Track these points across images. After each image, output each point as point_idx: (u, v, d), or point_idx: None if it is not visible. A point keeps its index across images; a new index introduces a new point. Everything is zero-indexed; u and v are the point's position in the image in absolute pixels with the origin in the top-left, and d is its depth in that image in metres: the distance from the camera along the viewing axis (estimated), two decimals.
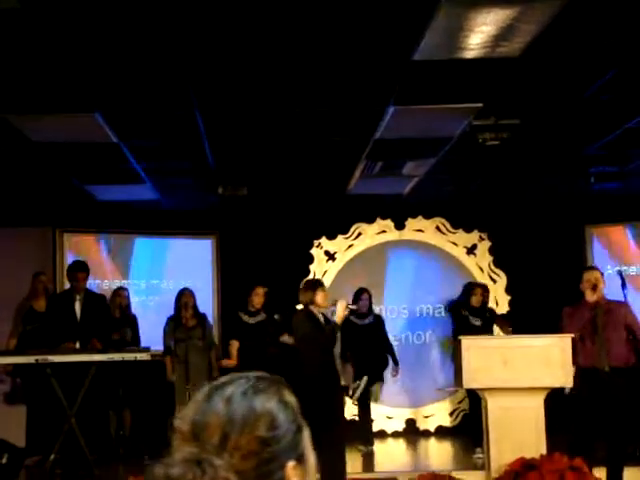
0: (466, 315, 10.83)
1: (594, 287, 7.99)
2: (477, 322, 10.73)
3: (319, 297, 8.20)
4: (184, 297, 10.56)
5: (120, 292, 11.06)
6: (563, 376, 7.36)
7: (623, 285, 8.51)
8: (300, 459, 1.53)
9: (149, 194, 11.28)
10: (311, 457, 1.56)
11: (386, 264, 12.59)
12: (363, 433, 10.79)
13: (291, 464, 1.50)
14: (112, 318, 10.51)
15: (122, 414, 10.56)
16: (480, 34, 6.14)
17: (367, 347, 10.91)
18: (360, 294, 11.08)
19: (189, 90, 7.21)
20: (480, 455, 9.17)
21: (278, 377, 1.61)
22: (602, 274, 8.28)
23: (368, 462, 9.97)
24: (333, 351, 8.22)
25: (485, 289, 11.43)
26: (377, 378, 11.04)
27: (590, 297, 8.01)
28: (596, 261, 12.50)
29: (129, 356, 9.42)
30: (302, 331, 8.18)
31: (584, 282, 8.08)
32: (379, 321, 11.32)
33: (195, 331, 10.50)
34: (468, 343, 7.61)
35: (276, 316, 10.97)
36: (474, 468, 8.74)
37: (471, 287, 11.28)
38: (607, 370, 7.82)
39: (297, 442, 1.53)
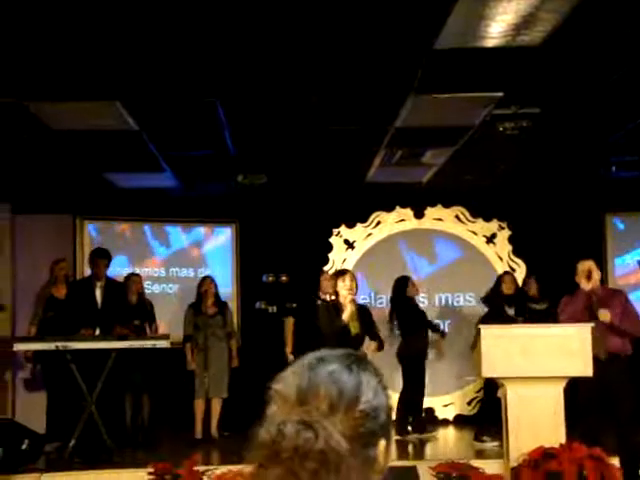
0: (501, 305, 10.83)
1: (588, 276, 8.05)
2: (511, 311, 10.67)
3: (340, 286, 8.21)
4: (205, 285, 10.62)
5: (135, 278, 11.07)
6: (582, 365, 7.35)
7: None
8: (388, 440, 1.60)
9: (169, 182, 11.31)
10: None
11: (404, 253, 12.57)
12: None
13: (383, 442, 1.57)
14: (128, 305, 10.54)
15: (140, 401, 10.61)
16: (501, 23, 6.13)
17: None
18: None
19: (210, 78, 7.22)
20: (488, 443, 9.17)
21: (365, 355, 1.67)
22: (596, 263, 8.37)
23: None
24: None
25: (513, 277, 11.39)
26: None
27: (585, 286, 8.08)
28: (616, 250, 12.49)
29: (148, 343, 9.47)
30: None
31: (578, 272, 8.15)
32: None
33: (215, 319, 10.54)
34: (487, 332, 7.61)
35: (283, 278, 11.10)
36: (492, 457, 8.74)
37: (500, 276, 11.28)
38: (604, 358, 7.83)
39: (389, 423, 1.60)
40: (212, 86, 7.40)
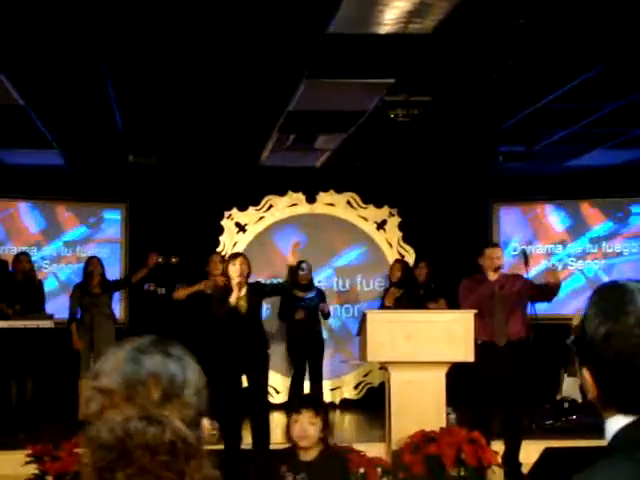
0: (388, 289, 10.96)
1: (496, 268, 8.17)
2: (398, 293, 10.77)
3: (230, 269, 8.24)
4: (91, 265, 10.49)
5: (22, 257, 10.82)
6: (465, 351, 7.49)
7: (526, 264, 8.71)
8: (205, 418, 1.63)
9: (57, 160, 11.08)
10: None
11: (296, 237, 12.56)
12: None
13: (205, 420, 1.62)
14: (15, 284, 10.32)
15: (24, 382, 10.38)
16: (394, 9, 6.16)
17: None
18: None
19: (99, 54, 7.08)
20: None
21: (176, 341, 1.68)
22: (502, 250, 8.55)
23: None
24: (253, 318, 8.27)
25: (404, 263, 11.53)
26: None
27: (492, 276, 8.19)
28: (501, 238, 12.76)
29: (31, 324, 9.28)
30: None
31: (486, 258, 8.23)
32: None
33: (101, 299, 10.41)
34: (372, 317, 7.69)
35: (173, 259, 11.07)
36: (377, 440, 8.83)
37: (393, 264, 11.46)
38: (504, 344, 7.99)
39: (206, 401, 1.63)
40: (102, 62, 7.25)
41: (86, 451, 1.54)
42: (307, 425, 4.88)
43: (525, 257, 8.81)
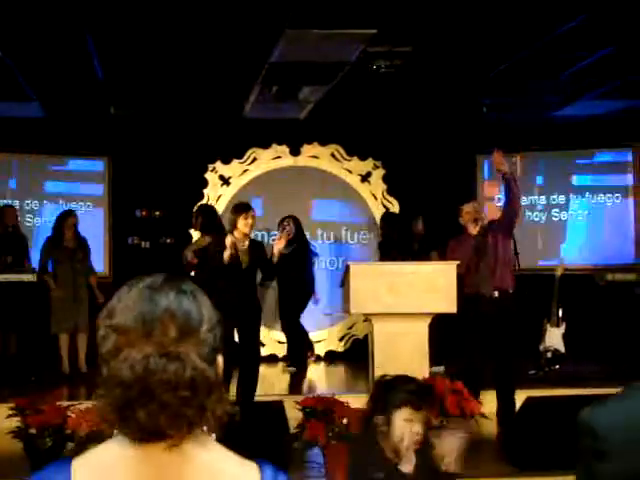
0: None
1: (475, 220, 8.17)
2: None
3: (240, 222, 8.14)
4: (71, 218, 10.40)
5: (8, 209, 10.74)
6: (447, 302, 7.51)
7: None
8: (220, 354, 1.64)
9: (36, 112, 10.98)
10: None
11: (282, 191, 12.52)
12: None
13: (219, 357, 1.63)
14: (2, 237, 10.27)
15: (7, 336, 10.37)
16: None
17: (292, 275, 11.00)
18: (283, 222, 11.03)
19: (79, 5, 6.99)
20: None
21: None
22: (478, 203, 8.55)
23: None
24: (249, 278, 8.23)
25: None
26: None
27: (473, 230, 8.20)
28: (486, 190, 12.75)
29: (14, 277, 9.24)
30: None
31: (464, 214, 8.25)
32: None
33: (76, 253, 10.37)
34: (355, 269, 7.69)
35: (157, 213, 11.08)
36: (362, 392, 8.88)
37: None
38: (491, 295, 8.03)
39: (221, 337, 1.64)
40: (80, 11, 7.16)
41: (102, 389, 1.55)
42: (422, 426, 4.05)
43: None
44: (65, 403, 7.06)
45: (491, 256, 8.09)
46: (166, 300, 1.58)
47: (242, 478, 1.62)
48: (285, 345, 11.73)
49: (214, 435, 1.60)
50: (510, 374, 8.12)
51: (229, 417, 1.59)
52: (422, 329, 7.58)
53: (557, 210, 12.79)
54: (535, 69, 9.32)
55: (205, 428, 1.57)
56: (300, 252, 11.22)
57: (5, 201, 11.45)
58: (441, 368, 9.56)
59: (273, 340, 12.17)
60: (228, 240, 8.04)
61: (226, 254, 7.99)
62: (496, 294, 8.07)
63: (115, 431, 1.57)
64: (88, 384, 9.56)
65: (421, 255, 10.38)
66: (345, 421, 6.84)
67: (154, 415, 1.50)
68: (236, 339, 8.18)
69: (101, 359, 1.58)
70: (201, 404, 1.53)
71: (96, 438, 5.79)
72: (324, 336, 12.48)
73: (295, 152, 12.66)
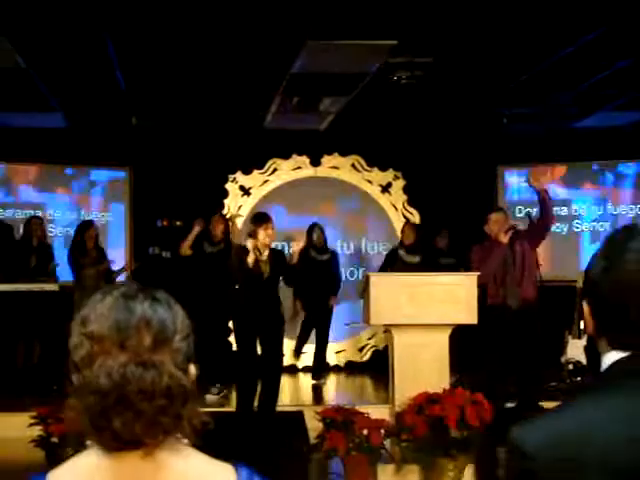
0: (397, 252, 10.96)
1: (507, 230, 8.21)
2: (414, 259, 10.78)
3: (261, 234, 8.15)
4: (92, 229, 10.44)
5: (35, 221, 10.81)
6: (467, 313, 7.49)
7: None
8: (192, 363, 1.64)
9: (59, 122, 11.04)
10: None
11: (302, 202, 12.54)
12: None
13: (192, 366, 1.62)
14: (30, 249, 10.33)
15: (32, 345, 10.41)
16: None
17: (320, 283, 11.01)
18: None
19: (100, 15, 7.03)
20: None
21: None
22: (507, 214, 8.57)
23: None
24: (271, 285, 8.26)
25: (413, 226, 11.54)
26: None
27: (503, 239, 8.20)
28: (507, 201, 12.72)
29: (36, 287, 9.28)
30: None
31: (492, 223, 8.25)
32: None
33: (101, 263, 10.41)
34: (375, 279, 7.68)
35: (178, 222, 11.09)
36: (381, 403, 8.87)
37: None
38: (517, 307, 8.05)
39: (193, 348, 1.64)
40: (102, 21, 7.20)
41: (75, 398, 1.53)
42: None
43: (530, 220, 8.78)
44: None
45: (518, 267, 8.12)
46: (141, 308, 1.58)
47: None
48: (302, 355, 11.72)
49: (187, 441, 1.58)
50: (533, 386, 8.11)
51: (204, 426, 1.58)
52: (442, 340, 7.55)
53: (579, 221, 12.75)
54: (555, 80, 9.30)
55: (179, 435, 1.56)
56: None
57: (30, 212, 11.52)
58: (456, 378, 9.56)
59: (292, 350, 12.16)
60: (249, 244, 8.07)
61: (250, 258, 8.01)
62: (522, 305, 8.10)
63: (89, 442, 1.56)
64: None
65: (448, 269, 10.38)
66: (365, 432, 6.85)
67: (130, 423, 1.49)
68: (258, 350, 8.20)
69: (73, 367, 1.57)
70: (177, 412, 1.52)
71: None
72: (344, 347, 12.47)
73: (315, 163, 12.69)
